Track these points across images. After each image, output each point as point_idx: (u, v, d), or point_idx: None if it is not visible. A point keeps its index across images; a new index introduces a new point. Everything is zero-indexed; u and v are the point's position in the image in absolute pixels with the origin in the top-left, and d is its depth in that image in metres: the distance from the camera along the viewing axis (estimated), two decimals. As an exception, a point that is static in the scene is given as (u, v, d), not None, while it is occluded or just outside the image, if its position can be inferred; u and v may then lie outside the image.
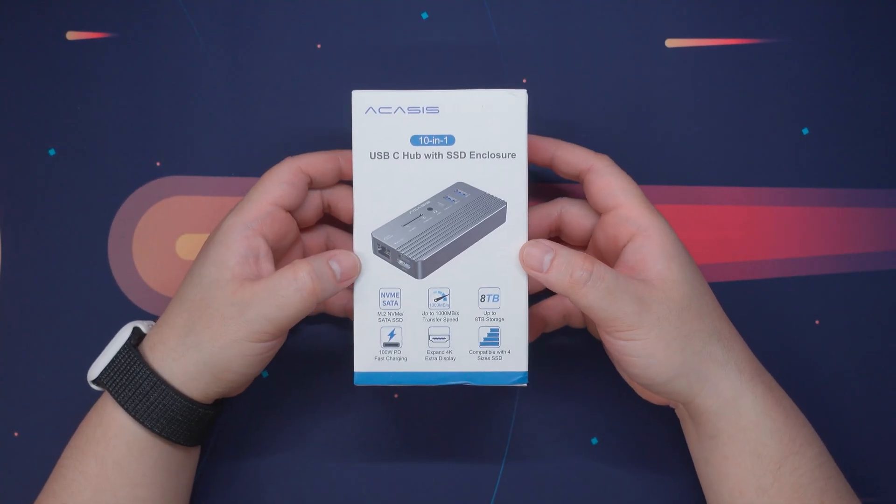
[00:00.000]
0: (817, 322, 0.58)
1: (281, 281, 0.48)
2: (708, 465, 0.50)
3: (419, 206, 0.49)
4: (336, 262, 0.49)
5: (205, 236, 0.58)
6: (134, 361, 0.50)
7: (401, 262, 0.49)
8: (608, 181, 0.51)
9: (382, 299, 0.49)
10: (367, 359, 0.49)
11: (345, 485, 0.58)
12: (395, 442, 0.58)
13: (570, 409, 0.58)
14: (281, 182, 0.51)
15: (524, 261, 0.48)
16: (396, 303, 0.49)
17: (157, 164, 0.59)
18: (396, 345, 0.49)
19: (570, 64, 0.59)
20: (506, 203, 0.49)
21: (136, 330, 0.52)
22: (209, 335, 0.49)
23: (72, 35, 0.59)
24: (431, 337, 0.49)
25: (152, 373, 0.49)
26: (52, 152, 0.59)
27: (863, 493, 0.57)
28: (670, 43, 0.59)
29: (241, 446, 0.58)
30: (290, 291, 0.48)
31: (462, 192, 0.49)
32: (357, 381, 0.49)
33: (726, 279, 0.58)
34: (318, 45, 0.59)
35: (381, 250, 0.49)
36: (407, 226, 0.49)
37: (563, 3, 0.59)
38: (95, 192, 0.59)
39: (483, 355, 0.49)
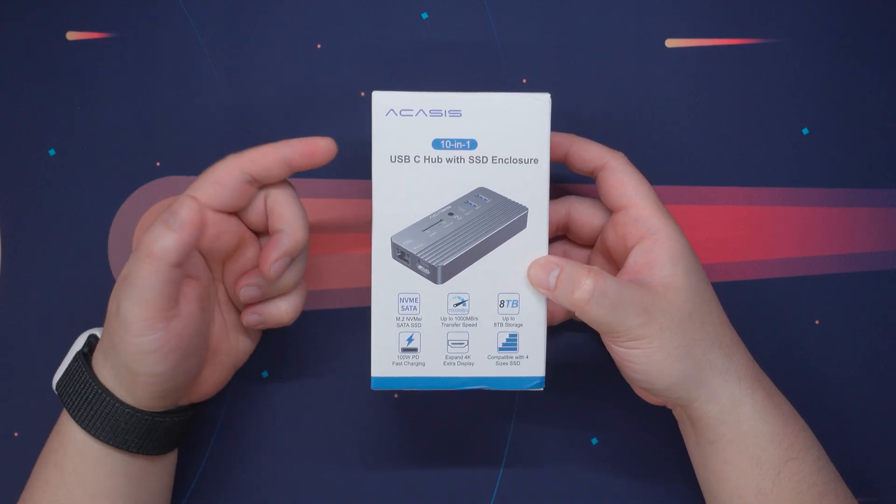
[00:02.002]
0: (817, 322, 0.58)
1: (130, 261, 0.47)
2: (707, 470, 0.50)
3: (440, 210, 0.49)
4: (171, 214, 0.46)
5: (204, 236, 0.58)
6: (81, 370, 0.49)
7: (420, 267, 0.49)
8: (621, 179, 0.50)
9: (401, 304, 0.49)
10: (385, 363, 0.49)
11: (343, 486, 0.58)
12: (395, 442, 0.58)
13: (570, 410, 0.58)
14: (214, 182, 0.49)
15: (532, 280, 0.49)
16: (415, 308, 0.49)
17: (157, 164, 0.59)
18: (415, 350, 0.49)
19: (570, 64, 0.59)
20: (527, 209, 0.49)
21: (91, 337, 0.52)
22: (108, 338, 0.48)
23: (72, 35, 0.59)
24: (450, 342, 0.49)
25: (95, 380, 0.49)
26: (52, 152, 0.59)
27: (863, 493, 0.57)
28: (670, 43, 0.59)
29: (240, 448, 0.58)
30: (136, 265, 0.46)
31: (483, 196, 0.49)
32: (374, 386, 0.49)
33: (726, 279, 0.58)
34: (318, 46, 0.59)
35: (401, 255, 0.49)
36: (427, 230, 0.49)
37: (563, 3, 0.59)
38: (95, 192, 0.59)
39: (501, 360, 0.49)
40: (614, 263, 0.53)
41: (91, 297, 0.58)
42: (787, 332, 0.58)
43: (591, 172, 0.52)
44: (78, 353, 0.50)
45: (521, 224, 0.49)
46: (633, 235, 0.50)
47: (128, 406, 0.49)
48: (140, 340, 0.47)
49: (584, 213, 0.53)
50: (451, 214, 0.49)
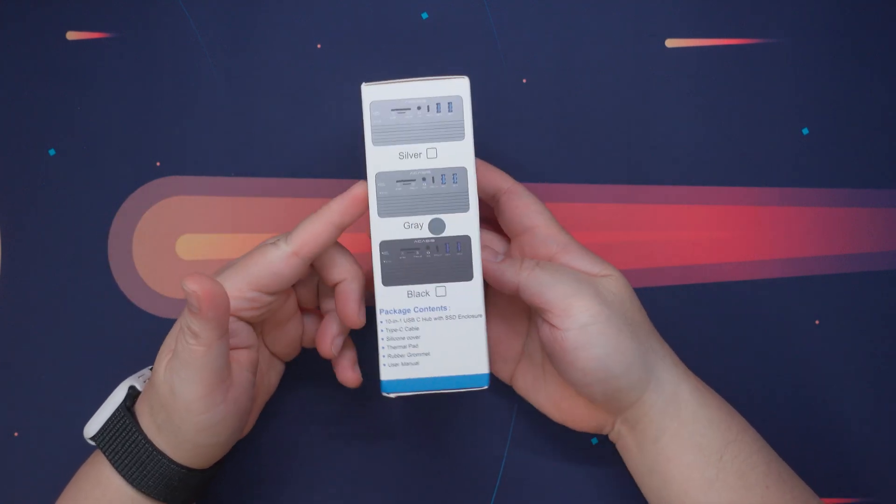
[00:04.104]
0: (817, 322, 0.58)
1: (178, 344, 0.47)
2: (653, 475, 0.50)
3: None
4: (190, 296, 0.45)
5: (205, 236, 0.58)
6: (129, 428, 0.49)
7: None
8: (526, 202, 0.52)
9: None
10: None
11: (343, 484, 0.58)
12: (395, 442, 0.58)
13: (570, 409, 0.58)
14: (273, 273, 0.48)
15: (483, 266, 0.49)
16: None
17: (157, 164, 0.59)
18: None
19: (570, 64, 0.59)
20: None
21: (131, 389, 0.51)
22: (164, 416, 0.48)
23: (72, 35, 0.59)
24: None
25: (148, 442, 0.49)
26: (52, 152, 0.59)
27: (863, 493, 0.57)
28: (670, 43, 0.59)
29: (240, 450, 0.58)
30: (184, 348, 0.46)
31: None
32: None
33: (727, 279, 0.58)
34: (318, 45, 0.59)
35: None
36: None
37: (563, 2, 0.59)
38: (95, 192, 0.59)
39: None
40: (517, 304, 0.53)
41: (91, 297, 0.58)
42: (787, 332, 0.58)
43: (492, 196, 0.53)
44: (121, 409, 0.50)
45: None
46: (544, 253, 0.51)
47: (182, 467, 0.49)
48: (202, 418, 0.47)
49: (488, 240, 0.55)
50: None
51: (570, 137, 0.58)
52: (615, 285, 0.50)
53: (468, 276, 0.48)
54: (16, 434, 0.58)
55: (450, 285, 0.48)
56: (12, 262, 0.59)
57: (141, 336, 0.58)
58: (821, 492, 0.57)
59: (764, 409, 0.57)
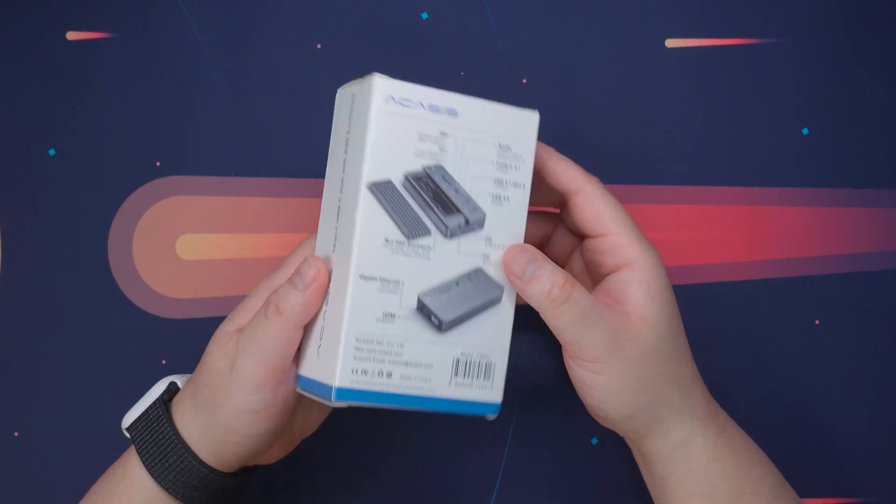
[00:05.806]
0: (817, 322, 0.58)
1: (255, 319, 0.46)
2: (659, 501, 0.50)
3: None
4: (297, 275, 0.46)
5: (204, 236, 0.58)
6: (161, 420, 0.49)
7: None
8: (598, 208, 0.48)
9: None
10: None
11: (343, 484, 0.58)
12: (393, 441, 0.58)
13: (570, 409, 0.58)
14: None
15: (507, 264, 0.46)
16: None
17: (157, 164, 0.59)
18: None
19: (570, 64, 0.59)
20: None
21: (171, 384, 0.51)
22: (209, 393, 0.47)
23: (72, 35, 0.59)
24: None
25: (175, 434, 0.48)
26: (52, 152, 0.59)
27: (863, 493, 0.57)
28: (670, 43, 0.59)
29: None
30: (262, 323, 0.46)
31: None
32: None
33: (727, 279, 0.58)
34: (318, 46, 0.59)
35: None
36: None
37: (563, 2, 0.59)
38: (95, 192, 0.59)
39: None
40: (584, 287, 0.50)
41: (91, 297, 0.58)
42: (787, 332, 0.58)
43: (563, 193, 0.49)
44: (158, 401, 0.50)
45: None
46: (609, 264, 0.48)
47: (204, 465, 0.48)
48: (250, 399, 0.46)
49: (562, 236, 0.52)
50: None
51: (569, 138, 0.58)
52: (650, 334, 0.46)
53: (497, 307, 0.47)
54: (16, 434, 0.58)
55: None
56: (12, 262, 0.59)
57: (141, 336, 0.58)
58: (820, 492, 0.57)
59: (764, 409, 0.57)
